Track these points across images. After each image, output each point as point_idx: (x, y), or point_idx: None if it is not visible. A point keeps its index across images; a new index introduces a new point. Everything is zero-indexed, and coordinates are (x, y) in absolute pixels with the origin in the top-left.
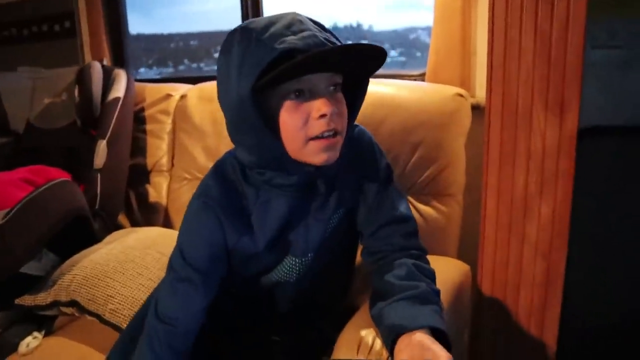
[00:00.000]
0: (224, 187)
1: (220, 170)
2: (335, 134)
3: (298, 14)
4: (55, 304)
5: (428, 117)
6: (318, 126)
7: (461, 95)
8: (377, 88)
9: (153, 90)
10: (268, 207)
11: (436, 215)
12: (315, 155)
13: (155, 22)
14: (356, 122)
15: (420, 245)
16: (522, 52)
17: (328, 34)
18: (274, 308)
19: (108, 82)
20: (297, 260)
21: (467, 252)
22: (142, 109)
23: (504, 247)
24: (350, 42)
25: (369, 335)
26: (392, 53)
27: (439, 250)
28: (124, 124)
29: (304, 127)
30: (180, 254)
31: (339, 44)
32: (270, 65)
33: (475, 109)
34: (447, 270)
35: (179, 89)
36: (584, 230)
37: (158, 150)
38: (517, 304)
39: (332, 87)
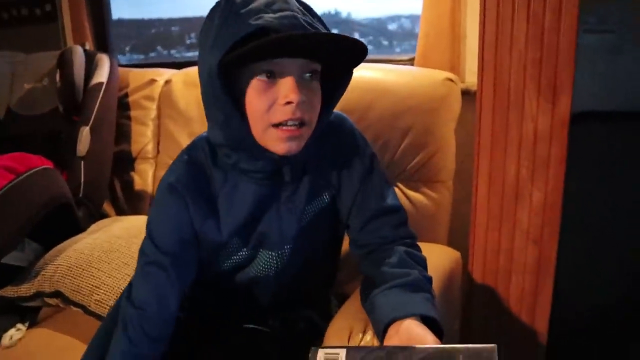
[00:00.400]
0: (191, 169)
1: (190, 152)
2: (302, 124)
3: None
4: (39, 294)
5: (418, 102)
6: (282, 113)
7: (451, 80)
8: (365, 72)
9: (137, 76)
10: (235, 192)
11: (426, 201)
12: (276, 143)
13: (142, 6)
14: (343, 109)
15: (411, 232)
16: (514, 35)
17: (312, 18)
18: (256, 302)
19: (91, 66)
20: (274, 254)
21: (457, 238)
22: (126, 95)
23: (495, 234)
24: (330, 32)
25: (359, 324)
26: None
27: (429, 237)
28: (107, 110)
29: (268, 111)
30: (149, 237)
31: (323, 30)
32: (244, 40)
33: (465, 94)
34: (437, 258)
35: (163, 74)
36: (575, 216)
37: (143, 137)
38: (508, 291)
39: (307, 74)
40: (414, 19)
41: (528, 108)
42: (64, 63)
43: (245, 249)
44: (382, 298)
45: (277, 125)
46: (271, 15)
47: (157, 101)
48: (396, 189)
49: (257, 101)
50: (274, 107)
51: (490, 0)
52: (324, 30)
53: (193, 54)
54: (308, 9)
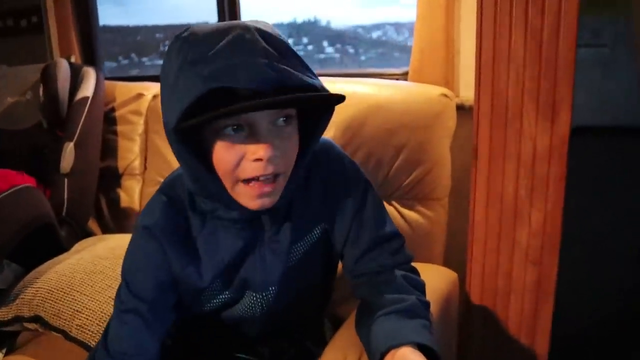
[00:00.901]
0: (170, 212)
1: (168, 192)
2: (276, 176)
3: (249, 28)
4: (18, 319)
5: (412, 119)
6: (251, 169)
7: (446, 96)
8: (358, 88)
9: (124, 89)
10: (214, 239)
11: (421, 220)
12: (247, 200)
13: (130, 13)
14: (336, 126)
15: (408, 256)
16: (511, 50)
17: (280, 57)
18: (244, 334)
19: (76, 80)
20: (258, 296)
21: (452, 258)
22: (113, 109)
23: (494, 254)
24: (302, 82)
25: (354, 353)
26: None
27: (424, 256)
28: (93, 125)
29: (237, 168)
30: (125, 282)
31: (292, 71)
32: (201, 99)
33: (459, 109)
34: (434, 279)
35: (150, 88)
36: (571, 231)
37: (130, 152)
38: (507, 312)
39: (281, 119)
40: (398, 26)
41: (526, 125)
42: (48, 77)
43: (227, 292)
44: (378, 326)
45: (247, 181)
46: (232, 71)
47: (145, 116)
48: (390, 208)
49: (223, 159)
50: (242, 163)
51: (486, 14)
52: (294, 72)
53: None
54: (274, 44)
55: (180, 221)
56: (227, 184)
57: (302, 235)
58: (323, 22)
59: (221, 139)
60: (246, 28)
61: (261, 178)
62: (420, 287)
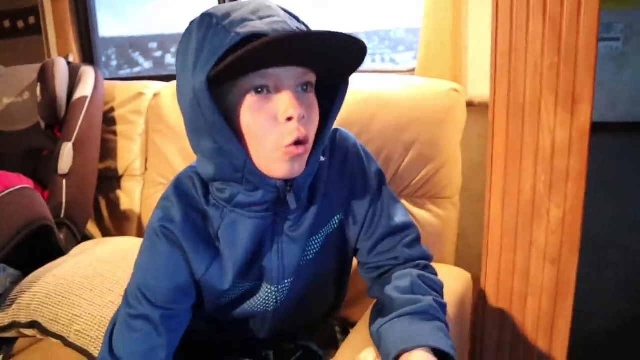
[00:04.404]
0: (186, 208)
1: (178, 189)
2: (302, 142)
3: (267, 0)
4: (14, 325)
5: (422, 114)
6: (288, 131)
7: (456, 91)
8: (367, 82)
9: (123, 89)
10: (234, 231)
11: (432, 219)
12: (279, 166)
13: (126, 23)
14: (344, 122)
15: (424, 252)
16: (529, 39)
17: (300, 25)
18: (252, 334)
19: (74, 80)
20: (273, 288)
21: (462, 257)
22: (112, 109)
23: (510, 253)
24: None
25: (368, 356)
26: None
27: (435, 256)
28: (91, 125)
29: (268, 131)
30: (137, 287)
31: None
32: (230, 53)
33: (468, 105)
34: (448, 280)
35: (151, 87)
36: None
37: (130, 153)
38: (523, 314)
39: (302, 87)
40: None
41: (545, 118)
42: (45, 76)
43: (245, 284)
44: (391, 327)
45: (278, 147)
46: (258, 22)
47: (145, 115)
48: None
49: (254, 120)
50: (273, 126)
51: (502, 2)
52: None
53: None
54: (294, 16)
55: (198, 219)
56: (260, 151)
57: (321, 226)
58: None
59: (248, 102)
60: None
61: (293, 141)
62: (437, 287)
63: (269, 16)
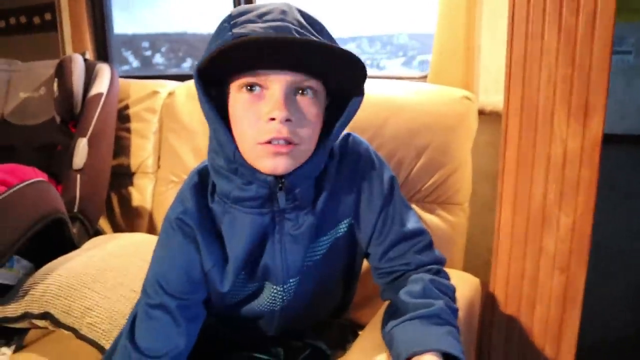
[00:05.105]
0: (201, 201)
1: (198, 178)
2: (287, 142)
3: (290, 5)
4: (27, 316)
5: (434, 120)
6: (266, 130)
7: (469, 99)
8: (380, 88)
9: (138, 87)
10: (234, 227)
11: (442, 224)
12: (261, 160)
13: (139, 21)
14: (356, 126)
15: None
16: (544, 49)
17: (313, 31)
18: (261, 332)
19: (90, 76)
20: (278, 288)
21: (469, 263)
22: (127, 107)
23: (520, 260)
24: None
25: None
26: None
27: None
28: (106, 122)
29: (252, 127)
30: (154, 277)
31: (321, 39)
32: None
33: (479, 114)
34: (457, 285)
35: (166, 86)
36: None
37: (143, 150)
38: (531, 320)
39: (300, 91)
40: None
41: (557, 128)
42: (62, 72)
43: (251, 284)
44: (402, 330)
45: (262, 143)
46: (259, 24)
47: (159, 113)
48: None
49: (240, 115)
50: (258, 123)
51: (518, 12)
52: (324, 40)
53: None
54: (312, 22)
55: (209, 214)
56: (244, 145)
57: (329, 229)
58: None
59: (240, 98)
60: (287, 4)
61: (274, 142)
62: (449, 292)
63: (275, 20)
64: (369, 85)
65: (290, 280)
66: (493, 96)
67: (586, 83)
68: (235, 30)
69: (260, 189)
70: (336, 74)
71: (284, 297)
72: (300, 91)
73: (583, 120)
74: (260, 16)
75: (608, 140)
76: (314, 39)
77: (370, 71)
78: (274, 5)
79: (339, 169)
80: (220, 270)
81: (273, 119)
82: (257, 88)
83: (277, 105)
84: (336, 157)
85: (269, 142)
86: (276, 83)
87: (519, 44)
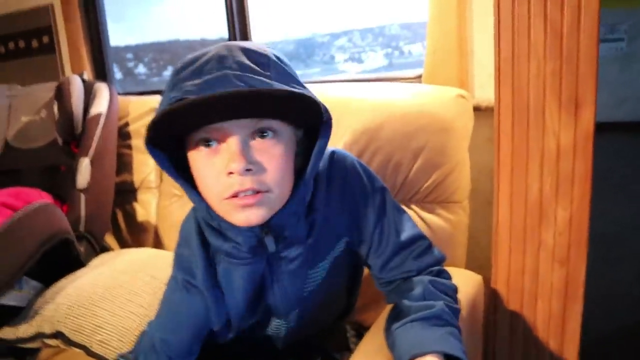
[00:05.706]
0: (205, 252)
1: (195, 229)
2: (257, 191)
3: (230, 47)
4: (39, 336)
5: (430, 121)
6: (228, 185)
7: (463, 97)
8: (374, 91)
9: (137, 104)
10: (230, 279)
11: (442, 223)
12: (231, 215)
13: (133, 30)
14: (352, 131)
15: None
16: (531, 45)
17: (264, 71)
18: (270, 349)
19: (89, 97)
20: (282, 321)
21: (471, 260)
22: (127, 124)
23: (519, 255)
24: (273, 87)
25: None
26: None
27: (446, 260)
28: (108, 141)
29: (215, 185)
30: (159, 337)
31: (268, 81)
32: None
33: (475, 110)
34: (460, 283)
35: None
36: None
37: (145, 166)
38: (534, 315)
39: (259, 134)
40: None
41: (549, 122)
42: (62, 95)
43: (254, 319)
44: (403, 332)
45: (227, 198)
46: (194, 82)
47: None
48: (410, 212)
49: (201, 174)
50: (220, 179)
51: (504, 9)
52: (272, 82)
53: None
54: (256, 58)
55: (208, 261)
56: (211, 203)
57: (326, 253)
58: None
59: (197, 155)
60: (228, 46)
61: (240, 194)
62: (450, 291)
63: (212, 71)
64: (364, 90)
65: (292, 312)
66: (489, 92)
67: (575, 75)
68: (172, 94)
69: (248, 239)
70: (290, 110)
71: (289, 325)
72: (261, 133)
73: (574, 113)
74: (198, 70)
75: (606, 128)
76: (257, 80)
77: (366, 75)
78: (213, 52)
79: (328, 192)
80: (224, 323)
81: (232, 173)
82: (214, 142)
83: (233, 158)
84: (323, 182)
85: (235, 195)
86: (230, 134)
87: (507, 41)
